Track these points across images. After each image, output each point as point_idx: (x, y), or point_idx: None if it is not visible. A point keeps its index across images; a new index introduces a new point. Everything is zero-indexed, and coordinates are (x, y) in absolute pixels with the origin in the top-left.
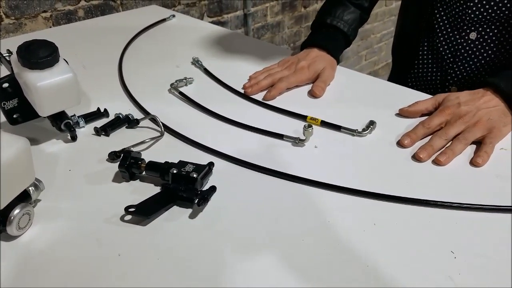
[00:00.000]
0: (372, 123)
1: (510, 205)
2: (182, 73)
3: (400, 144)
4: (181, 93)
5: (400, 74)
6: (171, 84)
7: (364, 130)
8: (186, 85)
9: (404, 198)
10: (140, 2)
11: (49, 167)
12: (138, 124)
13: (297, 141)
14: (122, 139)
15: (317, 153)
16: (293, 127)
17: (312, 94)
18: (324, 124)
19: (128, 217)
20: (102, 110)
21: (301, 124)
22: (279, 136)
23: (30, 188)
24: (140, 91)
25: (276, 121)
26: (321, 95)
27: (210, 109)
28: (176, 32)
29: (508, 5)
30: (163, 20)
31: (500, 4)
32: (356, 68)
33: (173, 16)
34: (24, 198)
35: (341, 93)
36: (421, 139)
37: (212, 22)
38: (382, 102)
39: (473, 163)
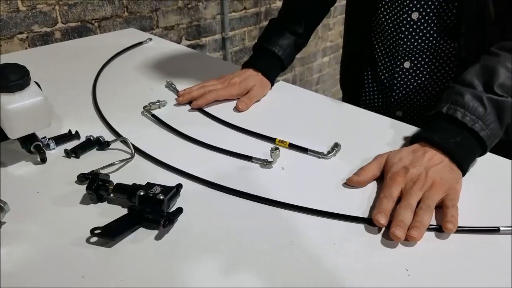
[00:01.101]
0: (336, 146)
1: (462, 226)
2: (156, 96)
3: (376, 223)
4: (153, 115)
5: (351, 103)
6: (144, 107)
7: (329, 152)
8: (159, 107)
9: (364, 218)
10: (118, 25)
11: (17, 189)
12: (109, 146)
13: (265, 163)
14: (92, 161)
15: (284, 175)
16: (263, 149)
17: (236, 107)
18: (292, 146)
19: (94, 239)
20: (73, 132)
21: (270, 146)
22: (248, 158)
23: None
24: (113, 114)
25: (247, 144)
26: (243, 110)
27: (182, 131)
28: (152, 55)
29: (435, 35)
30: (140, 43)
31: (428, 35)
32: (333, 90)
33: (150, 39)
34: None
35: (309, 116)
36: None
37: (190, 45)
38: (347, 125)
39: (445, 230)
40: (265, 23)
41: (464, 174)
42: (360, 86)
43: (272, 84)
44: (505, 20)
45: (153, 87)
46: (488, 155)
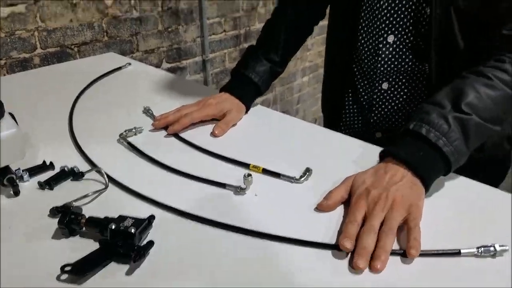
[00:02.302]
0: (308, 170)
1: (424, 250)
2: (132, 123)
3: (342, 248)
4: (129, 143)
5: (331, 126)
6: (120, 134)
7: (301, 177)
8: (135, 134)
9: (331, 245)
10: (98, 49)
11: None
12: (83, 176)
13: (239, 190)
14: (66, 192)
15: (257, 201)
16: (238, 174)
17: (212, 133)
18: (266, 171)
19: (65, 276)
20: (48, 163)
21: (245, 171)
22: (222, 185)
23: None
24: (89, 142)
25: (222, 169)
26: (220, 135)
27: (157, 159)
28: (130, 80)
29: (410, 58)
30: (119, 68)
31: (403, 57)
32: (313, 110)
33: (129, 64)
34: None
35: (285, 140)
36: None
37: (171, 68)
38: (322, 149)
39: (408, 255)
40: (245, 45)
41: (427, 189)
42: (341, 108)
43: (248, 109)
44: (475, 48)
45: (131, 113)
46: (452, 175)
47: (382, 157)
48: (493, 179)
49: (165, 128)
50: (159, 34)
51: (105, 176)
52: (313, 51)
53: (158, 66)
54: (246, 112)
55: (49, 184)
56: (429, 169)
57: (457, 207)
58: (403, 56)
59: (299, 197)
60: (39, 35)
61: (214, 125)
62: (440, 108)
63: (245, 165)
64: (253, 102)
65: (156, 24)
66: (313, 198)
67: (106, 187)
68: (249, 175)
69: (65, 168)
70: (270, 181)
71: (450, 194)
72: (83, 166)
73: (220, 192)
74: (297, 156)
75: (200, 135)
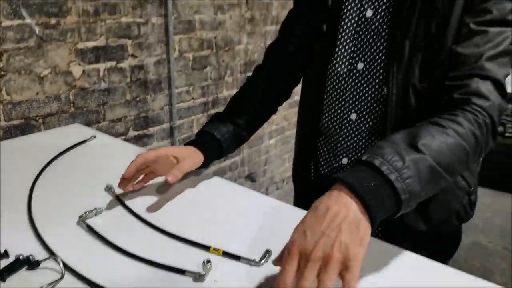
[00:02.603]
0: (268, 252)
1: None
2: (94, 202)
3: None
4: (88, 226)
5: (299, 195)
6: (80, 216)
7: (261, 259)
8: (95, 215)
9: None
10: (63, 120)
11: None
12: (39, 265)
13: (198, 277)
14: (19, 284)
15: None
16: (199, 255)
17: (166, 181)
18: (226, 254)
19: None
20: (2, 251)
21: (206, 254)
22: (181, 272)
23: None
24: (47, 224)
25: (182, 252)
26: (173, 181)
27: (115, 243)
28: (95, 154)
29: (370, 135)
30: (83, 141)
31: (363, 134)
32: (280, 170)
33: (94, 136)
34: None
35: (245, 216)
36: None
37: (138, 136)
38: (280, 226)
39: None
40: (213, 111)
41: (373, 225)
42: (307, 179)
43: (207, 163)
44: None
45: (92, 192)
46: (398, 250)
47: (331, 184)
48: (443, 255)
49: (123, 204)
50: (126, 104)
51: (61, 264)
52: (279, 115)
53: (124, 134)
54: (204, 167)
55: (1, 275)
56: (378, 202)
57: (404, 283)
58: (362, 133)
59: (258, 280)
60: (3, 108)
61: (178, 202)
62: (395, 145)
63: (206, 248)
64: (215, 163)
65: (124, 94)
66: (273, 281)
67: (62, 276)
68: (209, 261)
69: (20, 257)
70: (229, 264)
71: (397, 270)
72: (40, 253)
73: (179, 279)
74: (258, 234)
75: (162, 214)
